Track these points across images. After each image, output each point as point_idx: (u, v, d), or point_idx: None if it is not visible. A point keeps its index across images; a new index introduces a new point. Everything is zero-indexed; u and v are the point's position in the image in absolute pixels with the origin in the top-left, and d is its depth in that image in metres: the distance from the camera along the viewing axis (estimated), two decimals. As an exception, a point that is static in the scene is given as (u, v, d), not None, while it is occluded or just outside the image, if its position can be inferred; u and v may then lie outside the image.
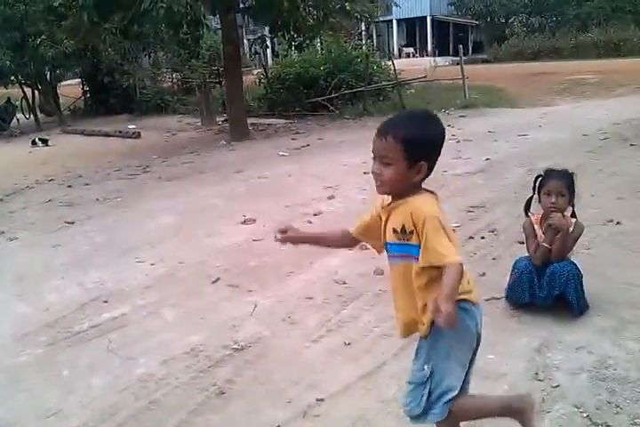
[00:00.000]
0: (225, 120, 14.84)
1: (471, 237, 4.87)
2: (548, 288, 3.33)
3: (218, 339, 3.48)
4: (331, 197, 6.59)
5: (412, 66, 20.75)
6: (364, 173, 7.66)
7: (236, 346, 3.37)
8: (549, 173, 3.39)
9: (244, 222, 5.85)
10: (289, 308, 3.85)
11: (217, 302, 4.05)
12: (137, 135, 14.91)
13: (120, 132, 15.49)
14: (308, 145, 10.89)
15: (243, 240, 5.33)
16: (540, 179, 3.41)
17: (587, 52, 28.19)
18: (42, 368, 3.37)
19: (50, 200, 7.98)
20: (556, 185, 3.32)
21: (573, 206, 3.42)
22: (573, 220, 3.40)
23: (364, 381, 2.92)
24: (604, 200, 5.50)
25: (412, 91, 16.44)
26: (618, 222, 4.87)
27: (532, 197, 3.46)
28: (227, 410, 2.80)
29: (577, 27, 32.32)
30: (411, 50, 37.21)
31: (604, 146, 8.22)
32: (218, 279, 4.42)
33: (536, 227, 3.46)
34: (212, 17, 15.21)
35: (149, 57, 22.77)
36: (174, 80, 22.15)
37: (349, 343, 3.30)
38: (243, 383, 3.01)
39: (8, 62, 17.21)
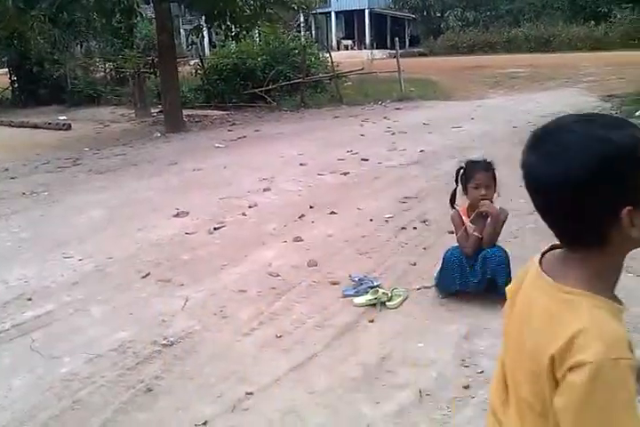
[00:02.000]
0: (160, 111, 14.51)
1: (403, 228, 4.93)
2: (482, 273, 3.40)
3: (147, 335, 3.40)
4: (266, 189, 6.54)
5: (350, 58, 20.86)
6: (300, 164, 7.67)
7: (165, 342, 3.30)
8: (473, 166, 3.45)
9: (177, 215, 5.74)
10: (221, 301, 3.80)
11: (147, 297, 3.96)
12: (67, 127, 14.39)
13: (50, 123, 14.90)
14: (244, 137, 10.78)
15: (175, 234, 5.23)
16: (462, 171, 3.45)
17: (518, 46, 29.09)
18: (-41, 370, 3.22)
19: (-28, 194, 7.61)
20: (484, 177, 3.39)
21: (498, 194, 3.50)
22: (498, 207, 3.48)
23: (295, 372, 2.92)
24: (531, 190, 5.65)
25: (350, 83, 16.50)
26: (544, 212, 5.01)
27: (456, 189, 3.50)
28: (154, 407, 2.74)
29: (509, 22, 33.27)
30: (349, 42, 37.31)
31: (533, 137, 8.45)
32: (148, 274, 4.32)
33: (464, 218, 3.52)
34: (146, 6, 14.85)
35: (81, 46, 22.07)
36: (107, 70, 21.48)
37: (281, 336, 3.29)
38: (171, 380, 2.95)
39: None
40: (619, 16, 28.64)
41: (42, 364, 3.20)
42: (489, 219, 3.43)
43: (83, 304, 3.91)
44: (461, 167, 3.47)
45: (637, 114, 9.55)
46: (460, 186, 3.47)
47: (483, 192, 3.38)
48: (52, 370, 3.12)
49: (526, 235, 4.47)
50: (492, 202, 3.44)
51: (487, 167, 3.43)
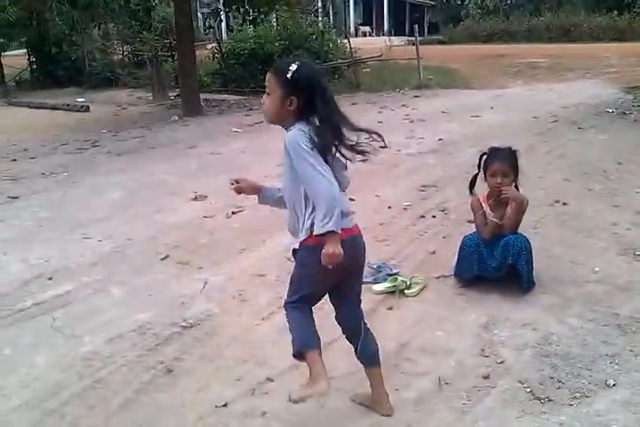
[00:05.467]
0: (177, 95, 14.50)
1: (422, 216, 4.92)
2: (501, 258, 3.39)
3: (166, 317, 3.42)
4: (282, 175, 6.52)
5: (368, 44, 20.69)
6: (318, 150, 7.65)
7: (184, 324, 3.32)
8: (494, 153, 3.44)
9: (195, 199, 5.76)
10: (240, 285, 3.82)
11: (166, 279, 3.98)
12: (86, 109, 14.44)
13: (68, 105, 14.95)
14: (262, 122, 10.71)
15: (193, 217, 5.25)
16: (484, 157, 3.45)
17: (539, 35, 28.66)
18: (-19, 347, 3.26)
19: (-7, 174, 7.67)
20: (501, 166, 3.38)
21: (517, 183, 3.47)
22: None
23: (314, 358, 2.92)
24: (551, 181, 5.62)
25: (368, 70, 16.40)
26: (564, 203, 4.98)
27: (477, 174, 3.50)
28: (174, 388, 2.76)
29: (530, 10, 32.78)
30: (367, 28, 37.00)
31: (553, 128, 8.39)
32: (167, 256, 4.34)
33: (484, 205, 3.51)
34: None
35: (99, 28, 21.99)
36: (125, 53, 21.47)
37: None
38: (191, 361, 2.97)
39: (-53, 30, 16.40)
40: (643, 6, 28.17)
41: (63, 342, 3.24)
42: (510, 206, 3.41)
43: (102, 285, 3.94)
44: (484, 153, 3.46)
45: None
46: (481, 172, 3.46)
47: (498, 180, 3.38)
48: (73, 349, 3.15)
49: (546, 226, 4.45)
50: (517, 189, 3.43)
51: (506, 156, 3.42)
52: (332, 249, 2.12)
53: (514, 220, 3.44)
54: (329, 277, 2.31)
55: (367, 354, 2.49)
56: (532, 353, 2.85)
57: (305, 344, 2.31)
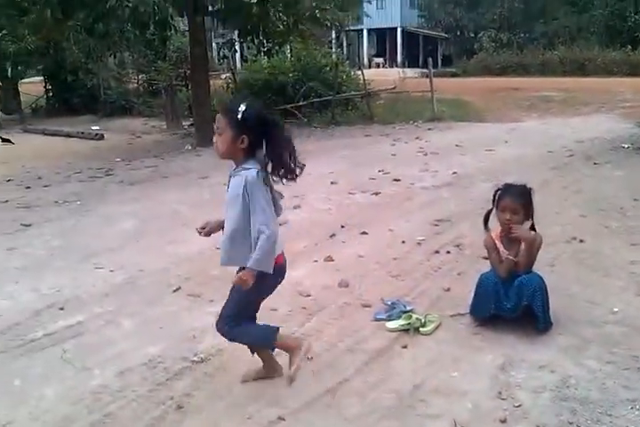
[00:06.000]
0: (191, 124, 14.67)
1: (437, 252, 4.87)
2: (516, 299, 3.34)
3: (177, 350, 3.38)
4: (297, 207, 6.53)
5: (381, 76, 20.92)
6: (331, 182, 7.66)
7: (195, 358, 3.28)
8: (507, 189, 3.42)
9: (208, 230, 5.74)
10: (251, 319, 3.77)
11: (177, 311, 3.95)
12: (100, 137, 14.63)
13: (82, 133, 15.17)
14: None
15: (205, 248, 5.20)
16: (498, 192, 3.43)
17: (553, 69, 28.91)
18: (-8, 377, 3.23)
19: (7, 201, 7.72)
20: (511, 203, 3.35)
21: (532, 219, 3.44)
22: (533, 232, 3.43)
23: (326, 397, 2.87)
24: (567, 217, 5.58)
25: (381, 101, 16.54)
26: (581, 240, 4.93)
27: (491, 210, 3.47)
28: (183, 425, 2.71)
29: (544, 44, 33.11)
30: (380, 60, 37.52)
31: (569, 163, 8.37)
32: (179, 288, 4.32)
33: (497, 242, 3.47)
34: (180, 18, 15.06)
35: (115, 57, 22.43)
36: (140, 81, 21.84)
37: (312, 358, 3.24)
38: (201, 397, 2.92)
39: (-33, 57, 16.77)
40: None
41: (73, 375, 3.20)
42: (522, 244, 3.38)
43: (114, 316, 3.92)
44: (498, 189, 3.45)
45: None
46: (495, 208, 3.44)
47: (507, 217, 3.34)
48: (83, 382, 3.11)
49: (563, 264, 4.40)
50: (531, 228, 3.39)
51: (518, 193, 3.39)
52: (247, 278, 2.56)
53: (526, 259, 3.39)
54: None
55: None
56: (550, 397, 2.78)
57: (267, 338, 2.84)
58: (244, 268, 2.61)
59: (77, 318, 3.90)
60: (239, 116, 2.48)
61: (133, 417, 2.78)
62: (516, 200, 3.36)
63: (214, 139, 2.56)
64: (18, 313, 4.02)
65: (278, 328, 2.88)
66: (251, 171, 2.53)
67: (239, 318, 2.78)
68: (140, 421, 2.74)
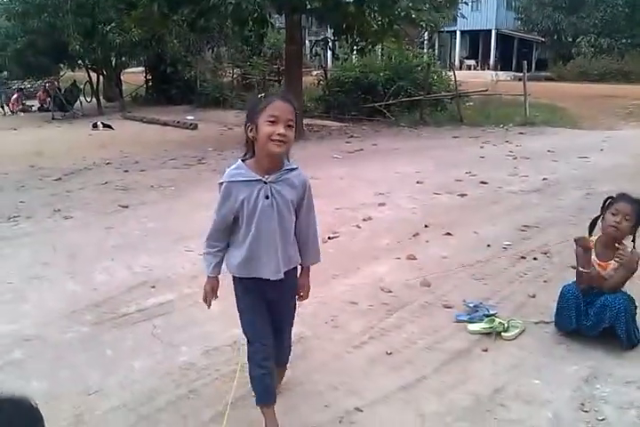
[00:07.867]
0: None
1: (523, 257, 4.78)
2: (596, 319, 3.22)
3: (260, 335, 3.48)
4: (382, 204, 6.55)
5: (472, 78, 20.55)
6: (417, 182, 7.62)
7: (277, 343, 3.37)
8: (623, 195, 3.29)
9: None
10: (332, 311, 3.84)
11: (262, 297, 4.06)
12: (194, 126, 15.14)
13: (178, 122, 15.75)
14: (361, 149, 10.87)
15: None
16: (609, 200, 3.32)
17: (656, 77, 27.45)
18: (86, 347, 3.44)
19: (106, 183, 8.16)
20: (626, 207, 3.22)
21: (635, 236, 3.30)
22: (635, 261, 3.23)
23: (404, 393, 2.89)
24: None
25: (471, 103, 16.25)
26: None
27: (598, 216, 3.36)
28: (263, 407, 2.79)
29: (647, 51, 31.50)
30: (472, 62, 36.79)
31: (671, 175, 7.95)
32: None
33: (592, 251, 3.34)
34: (276, 16, 15.34)
35: (212, 51, 23.12)
36: (234, 75, 22.41)
37: (391, 353, 3.27)
38: (281, 382, 3.00)
39: (77, 47, 17.71)
40: None
41: (161, 350, 3.37)
42: (618, 267, 3.23)
43: (201, 298, 4.06)
44: (610, 197, 3.34)
45: None
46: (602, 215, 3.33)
47: (617, 219, 3.20)
48: (171, 357, 3.27)
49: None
50: (632, 250, 3.23)
51: (634, 200, 3.25)
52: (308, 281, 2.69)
53: (616, 283, 3.25)
54: None
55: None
56: (638, 414, 2.68)
57: (260, 397, 2.67)
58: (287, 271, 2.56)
59: (167, 296, 4.10)
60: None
61: (216, 395, 2.89)
62: (631, 206, 3.23)
63: (285, 131, 2.31)
64: (113, 288, 4.27)
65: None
66: (301, 171, 2.47)
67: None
68: (223, 399, 2.85)
